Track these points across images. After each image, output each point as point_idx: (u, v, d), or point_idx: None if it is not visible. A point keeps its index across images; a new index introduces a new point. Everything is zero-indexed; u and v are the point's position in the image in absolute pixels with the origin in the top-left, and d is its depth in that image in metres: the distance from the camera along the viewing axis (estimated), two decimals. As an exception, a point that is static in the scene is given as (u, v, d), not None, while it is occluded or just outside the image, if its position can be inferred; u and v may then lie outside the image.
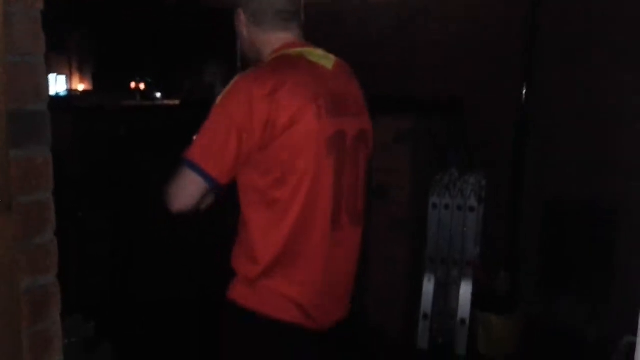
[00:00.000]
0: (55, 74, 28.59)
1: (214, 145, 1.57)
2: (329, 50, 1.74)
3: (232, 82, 1.56)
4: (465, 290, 3.55)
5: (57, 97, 21.98)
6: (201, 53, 28.22)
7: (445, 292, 3.74)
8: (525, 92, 4.18)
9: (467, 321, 3.53)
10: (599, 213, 3.99)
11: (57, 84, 28.54)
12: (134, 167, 4.07)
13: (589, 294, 3.99)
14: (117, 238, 4.14)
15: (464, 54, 4.57)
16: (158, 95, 21.49)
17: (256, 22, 1.68)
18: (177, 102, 5.25)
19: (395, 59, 4.86)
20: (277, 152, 1.53)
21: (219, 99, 1.58)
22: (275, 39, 1.67)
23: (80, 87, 28.64)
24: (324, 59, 1.68)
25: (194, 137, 1.62)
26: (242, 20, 1.70)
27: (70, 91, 25.88)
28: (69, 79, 29.35)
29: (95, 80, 28.70)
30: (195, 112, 4.60)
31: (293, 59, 1.63)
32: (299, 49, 1.66)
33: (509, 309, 3.71)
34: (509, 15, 4.31)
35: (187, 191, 1.59)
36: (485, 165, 4.15)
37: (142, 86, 25.55)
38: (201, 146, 1.59)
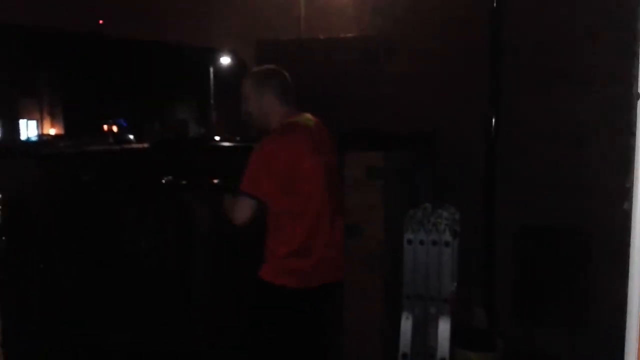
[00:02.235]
0: (26, 120, 28.35)
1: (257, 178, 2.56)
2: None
3: (263, 140, 2.57)
4: (444, 328, 3.48)
5: (26, 142, 21.73)
6: (172, 92, 28.23)
7: (424, 330, 3.67)
8: (494, 121, 4.23)
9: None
10: (573, 239, 3.99)
11: (28, 129, 28.26)
12: (101, 212, 3.97)
13: (567, 323, 3.96)
14: (84, 287, 4.01)
15: (430, 87, 4.61)
16: (131, 137, 21.37)
17: (279, 100, 2.66)
18: (146, 145, 5.17)
19: (362, 93, 4.88)
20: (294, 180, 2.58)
21: (257, 147, 2.57)
22: (283, 112, 2.69)
23: (52, 131, 28.38)
24: (309, 121, 2.74)
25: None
26: (270, 99, 2.65)
27: (42, 136, 25.63)
28: (40, 124, 29.10)
29: (67, 124, 28.49)
30: (164, 155, 4.52)
31: (294, 124, 2.67)
32: (296, 118, 2.69)
33: (487, 345, 3.66)
34: (474, 47, 4.37)
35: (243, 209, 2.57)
36: (457, 197, 4.14)
37: (114, 128, 25.41)
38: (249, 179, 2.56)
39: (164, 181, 3.92)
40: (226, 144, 5.12)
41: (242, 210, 2.50)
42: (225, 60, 25.12)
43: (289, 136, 2.62)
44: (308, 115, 2.74)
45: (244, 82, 2.70)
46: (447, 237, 3.61)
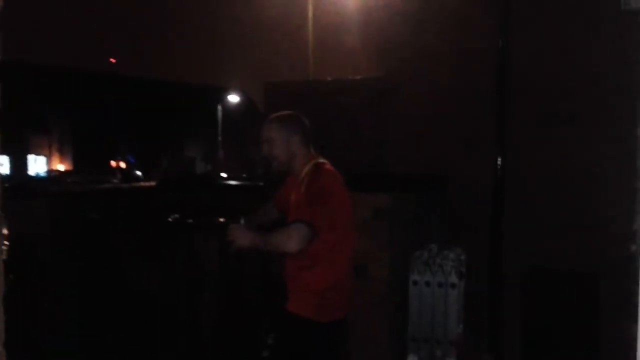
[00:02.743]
0: (34, 155, 28.61)
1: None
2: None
3: (320, 175, 2.68)
4: (450, 370, 3.45)
5: (35, 178, 21.88)
6: (180, 130, 28.45)
7: (430, 373, 3.63)
8: (500, 162, 4.24)
9: (454, 404, 3.42)
10: (580, 281, 3.95)
11: (37, 165, 28.50)
12: (108, 251, 3.98)
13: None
14: (93, 324, 3.99)
15: (438, 128, 4.63)
16: (139, 173, 21.47)
17: (304, 143, 2.75)
18: (153, 183, 5.21)
19: (369, 134, 4.92)
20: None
21: (314, 181, 2.67)
22: (308, 153, 2.77)
23: (61, 167, 28.60)
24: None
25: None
26: (297, 142, 2.72)
27: (51, 172, 25.81)
28: (49, 160, 29.34)
29: (76, 160, 28.73)
30: (171, 193, 4.52)
31: (327, 164, 2.76)
32: (322, 159, 2.76)
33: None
34: (482, 88, 4.40)
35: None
36: (465, 238, 4.13)
37: (122, 165, 25.56)
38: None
39: (170, 219, 3.94)
40: (233, 182, 5.15)
41: (299, 239, 2.52)
42: (233, 99, 25.41)
43: (337, 173, 2.73)
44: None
45: (268, 126, 2.77)
46: (454, 278, 3.60)
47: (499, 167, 4.24)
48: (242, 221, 2.80)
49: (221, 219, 3.59)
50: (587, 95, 4.12)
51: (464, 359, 3.65)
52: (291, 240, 2.54)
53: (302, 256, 2.62)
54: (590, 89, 4.11)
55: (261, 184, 2.58)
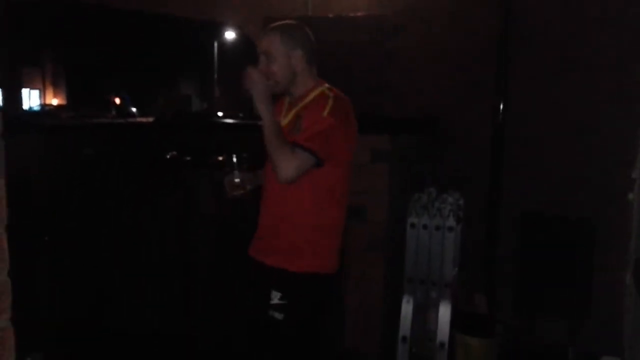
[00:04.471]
0: (28, 89, 28.24)
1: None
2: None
3: (332, 102, 2.28)
4: (444, 312, 3.49)
5: (28, 112, 21.66)
6: (176, 66, 28.04)
7: (424, 314, 3.67)
8: (502, 109, 4.20)
9: (446, 344, 3.47)
10: (577, 227, 3.98)
11: (31, 99, 28.17)
12: (104, 187, 3.95)
13: (568, 311, 3.97)
14: (87, 263, 4.01)
15: (439, 70, 4.56)
16: (134, 109, 21.26)
17: (308, 61, 2.34)
18: (150, 119, 5.14)
19: (369, 74, 4.83)
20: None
21: (328, 107, 2.26)
22: (311, 74, 2.38)
23: (54, 101, 28.28)
24: None
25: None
26: (300, 56, 2.31)
27: (44, 106, 25.54)
28: (43, 94, 28.99)
29: (69, 95, 28.39)
30: (169, 130, 4.48)
31: (338, 90, 2.39)
32: (326, 85, 2.39)
33: (487, 331, 3.67)
34: (485, 32, 4.32)
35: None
36: (462, 183, 4.13)
37: (117, 100, 25.28)
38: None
39: (168, 157, 3.90)
40: (229, 120, 5.08)
41: (300, 167, 2.15)
42: (229, 35, 24.93)
43: (349, 104, 2.35)
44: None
45: (265, 36, 2.32)
46: (451, 222, 3.60)
47: (500, 113, 4.21)
48: (234, 163, 2.45)
49: (219, 158, 3.55)
50: (590, 41, 4.04)
51: (458, 301, 3.70)
52: (286, 166, 2.16)
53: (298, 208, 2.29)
54: (594, 35, 4.03)
55: (259, 123, 2.49)
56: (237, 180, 2.46)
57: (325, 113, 2.22)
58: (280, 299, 2.29)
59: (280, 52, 2.29)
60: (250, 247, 2.52)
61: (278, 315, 2.29)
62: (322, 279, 2.35)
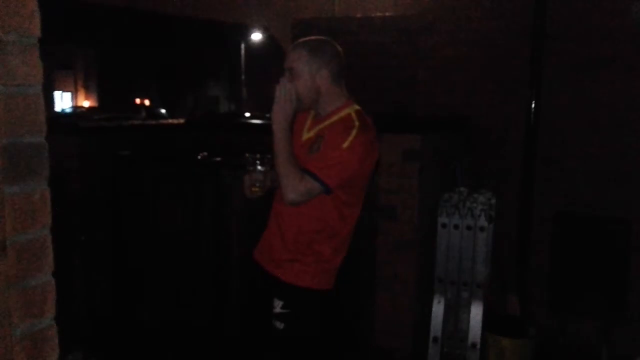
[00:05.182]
0: (61, 91, 28.74)
1: None
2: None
3: (356, 132, 2.17)
4: (476, 313, 3.47)
5: (62, 114, 22.04)
6: (204, 68, 28.26)
7: (455, 315, 3.65)
8: (535, 107, 4.15)
9: (478, 345, 3.45)
10: (612, 226, 3.91)
11: (63, 101, 28.66)
12: (138, 187, 4.01)
13: (603, 312, 3.90)
14: (122, 261, 4.07)
15: (469, 69, 4.53)
16: (163, 111, 21.48)
17: (335, 81, 2.26)
18: (181, 120, 5.20)
19: (397, 74, 4.81)
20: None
21: (350, 139, 2.17)
22: (339, 93, 2.29)
23: (86, 103, 28.73)
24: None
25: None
26: (325, 76, 2.23)
27: (76, 108, 25.95)
28: (75, 96, 29.47)
29: (101, 97, 28.82)
30: (200, 131, 4.51)
31: (366, 117, 2.28)
32: (355, 106, 2.29)
33: (520, 332, 3.63)
34: (517, 29, 4.27)
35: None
36: (494, 182, 4.09)
37: (147, 102, 25.56)
38: None
39: (199, 157, 3.94)
40: (257, 121, 5.12)
41: (306, 194, 2.14)
42: (256, 37, 25.05)
43: (373, 133, 2.26)
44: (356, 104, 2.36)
45: (293, 55, 2.24)
46: (483, 222, 3.58)
47: (532, 112, 4.16)
48: (257, 162, 2.39)
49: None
50: (626, 38, 3.97)
51: (490, 301, 3.67)
52: (293, 191, 2.14)
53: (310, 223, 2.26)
54: (629, 31, 3.96)
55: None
56: (258, 178, 2.40)
57: (346, 145, 2.14)
58: (282, 307, 2.28)
59: (305, 71, 2.21)
60: (255, 250, 2.49)
61: (279, 325, 2.29)
62: (322, 294, 2.32)
